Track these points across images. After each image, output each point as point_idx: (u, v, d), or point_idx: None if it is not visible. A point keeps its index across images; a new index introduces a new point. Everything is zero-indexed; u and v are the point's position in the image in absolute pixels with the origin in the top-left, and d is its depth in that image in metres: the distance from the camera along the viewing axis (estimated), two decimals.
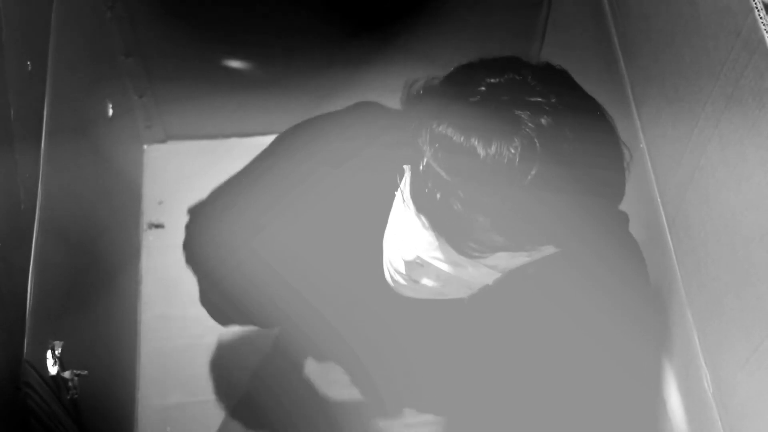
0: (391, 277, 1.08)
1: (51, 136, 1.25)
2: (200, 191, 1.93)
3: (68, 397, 1.19)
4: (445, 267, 1.02)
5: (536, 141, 0.90)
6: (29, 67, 1.20)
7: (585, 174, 0.93)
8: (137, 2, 1.72)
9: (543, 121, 0.91)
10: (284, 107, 1.94)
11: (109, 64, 1.78)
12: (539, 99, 0.93)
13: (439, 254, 1.00)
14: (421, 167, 0.95)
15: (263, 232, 1.24)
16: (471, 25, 1.84)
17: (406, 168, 1.02)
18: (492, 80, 0.95)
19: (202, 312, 1.78)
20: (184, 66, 1.85)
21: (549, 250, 0.99)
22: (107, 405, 1.50)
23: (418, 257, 1.02)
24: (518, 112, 0.92)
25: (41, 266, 1.15)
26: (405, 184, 1.00)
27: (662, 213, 1.19)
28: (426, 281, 1.05)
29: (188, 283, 1.83)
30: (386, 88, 1.28)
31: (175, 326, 1.79)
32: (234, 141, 2.01)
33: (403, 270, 1.05)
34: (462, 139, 0.92)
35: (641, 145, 1.24)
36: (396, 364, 1.31)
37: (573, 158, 0.92)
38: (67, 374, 1.16)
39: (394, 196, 1.17)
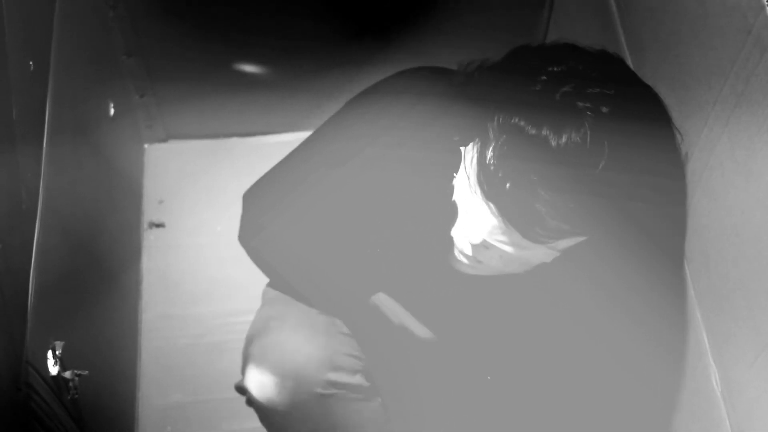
0: (456, 257, 1.13)
1: (53, 136, 1.25)
2: (201, 191, 1.94)
3: (69, 397, 1.18)
4: (509, 249, 1.05)
5: (602, 132, 0.95)
6: (31, 67, 1.20)
7: (643, 163, 0.98)
8: (139, 2, 1.72)
9: (604, 110, 0.96)
10: (285, 107, 1.95)
11: (111, 63, 1.78)
12: (599, 90, 0.97)
13: (504, 238, 1.04)
14: (489, 154, 0.99)
15: (267, 231, 1.25)
16: (472, 26, 1.84)
17: (467, 151, 1.05)
18: (554, 69, 0.99)
19: (203, 311, 1.80)
20: (186, 66, 1.85)
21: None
22: (108, 405, 1.50)
23: (485, 241, 1.05)
24: (580, 104, 0.96)
25: (42, 266, 1.15)
26: (471, 169, 1.04)
27: None
28: (490, 262, 1.09)
29: (189, 283, 1.84)
30: None
31: (175, 326, 1.79)
32: (235, 141, 2.01)
33: (469, 252, 1.09)
34: (534, 131, 0.96)
35: None
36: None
37: (632, 146, 0.97)
38: (67, 374, 1.16)
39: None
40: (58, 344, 1.15)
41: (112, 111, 1.69)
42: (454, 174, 1.10)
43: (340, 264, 1.26)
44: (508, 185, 0.98)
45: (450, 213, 1.11)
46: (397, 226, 1.23)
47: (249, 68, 1.88)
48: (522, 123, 0.97)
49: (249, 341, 1.29)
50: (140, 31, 1.77)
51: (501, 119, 0.98)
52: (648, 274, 1.14)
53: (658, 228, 1.11)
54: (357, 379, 1.24)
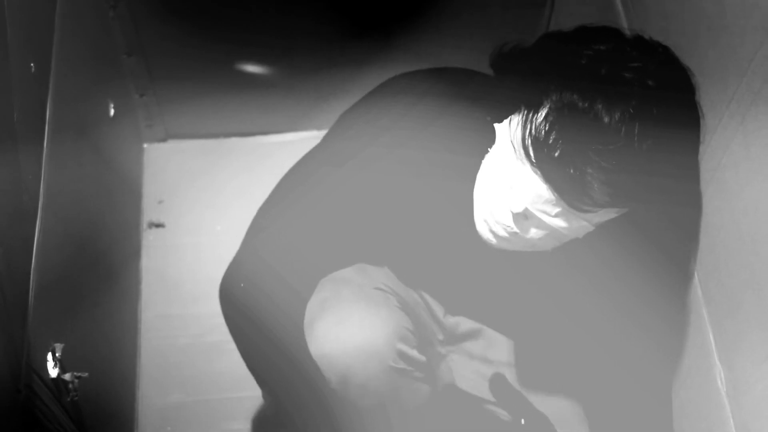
0: (490, 228, 1.11)
1: (53, 137, 1.25)
2: (200, 190, 1.94)
3: (69, 399, 1.18)
4: (548, 220, 1.05)
5: (650, 106, 0.98)
6: (33, 69, 1.20)
7: (676, 136, 1.01)
8: (139, 1, 1.72)
9: (650, 82, 0.98)
10: (285, 107, 1.95)
11: (111, 63, 1.77)
12: (640, 64, 1.00)
13: (547, 207, 1.04)
14: (537, 123, 1.00)
15: (267, 231, 1.25)
16: (472, 26, 1.84)
17: (508, 123, 1.06)
18: (599, 47, 1.02)
19: (202, 311, 1.80)
20: (186, 65, 1.85)
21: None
22: (108, 405, 1.50)
23: (527, 209, 1.05)
24: (627, 75, 0.99)
25: (43, 267, 1.15)
26: (516, 139, 1.04)
27: None
28: (527, 233, 1.08)
29: (188, 283, 1.84)
30: None
31: (175, 325, 1.79)
32: (234, 140, 2.01)
33: (509, 222, 1.08)
34: (586, 104, 0.98)
35: None
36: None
37: (672, 122, 0.99)
38: (67, 376, 1.16)
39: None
40: (58, 346, 1.15)
41: (112, 110, 1.69)
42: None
43: (339, 264, 1.27)
44: (557, 153, 0.99)
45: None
46: (398, 226, 1.23)
47: (249, 68, 1.88)
48: (574, 96, 0.99)
49: (309, 325, 1.23)
50: (141, 30, 1.77)
51: (551, 92, 1.00)
52: (652, 274, 1.14)
53: (669, 228, 1.11)
54: (417, 354, 1.22)
